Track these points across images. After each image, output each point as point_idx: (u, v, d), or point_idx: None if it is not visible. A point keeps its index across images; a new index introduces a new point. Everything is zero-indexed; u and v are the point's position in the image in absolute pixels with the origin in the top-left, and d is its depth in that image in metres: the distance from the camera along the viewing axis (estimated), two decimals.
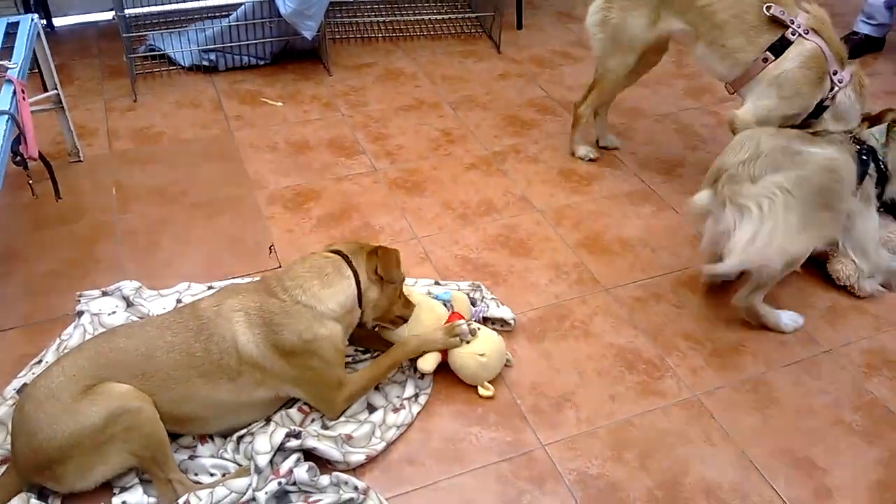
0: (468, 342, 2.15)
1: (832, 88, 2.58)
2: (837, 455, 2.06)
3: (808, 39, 2.58)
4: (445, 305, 2.29)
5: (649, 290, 2.56)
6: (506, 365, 2.23)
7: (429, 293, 2.38)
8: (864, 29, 4.11)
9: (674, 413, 2.16)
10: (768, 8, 2.59)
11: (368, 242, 2.18)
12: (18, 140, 2.32)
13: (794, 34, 2.58)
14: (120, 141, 3.23)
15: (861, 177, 2.43)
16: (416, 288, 2.43)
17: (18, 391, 2.10)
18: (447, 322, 2.20)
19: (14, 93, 2.36)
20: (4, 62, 2.46)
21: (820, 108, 2.66)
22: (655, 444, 2.07)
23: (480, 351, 2.14)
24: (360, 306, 2.06)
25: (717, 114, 3.60)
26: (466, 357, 2.14)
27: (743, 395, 2.22)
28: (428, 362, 2.14)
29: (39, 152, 2.40)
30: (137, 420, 1.80)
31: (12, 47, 2.62)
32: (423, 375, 2.17)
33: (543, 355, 2.31)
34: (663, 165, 3.21)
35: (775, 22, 2.60)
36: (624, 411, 2.16)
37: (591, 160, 3.20)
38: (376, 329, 2.22)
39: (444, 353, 2.17)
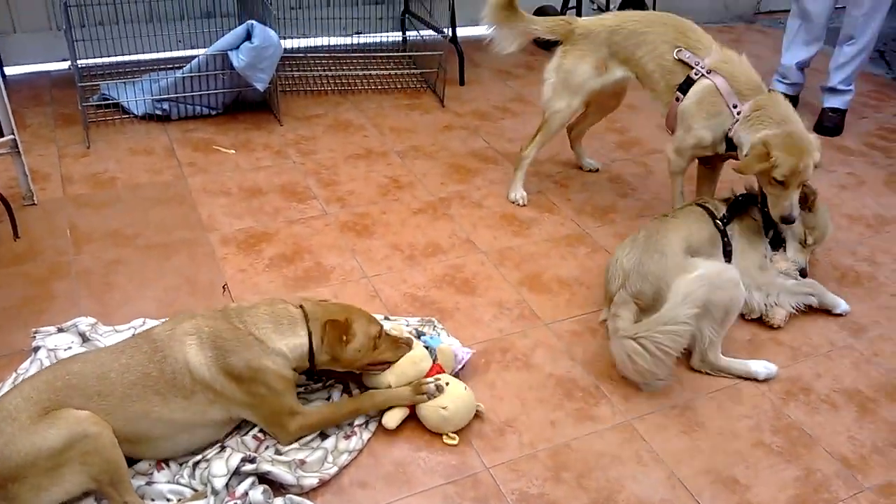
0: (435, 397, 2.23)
1: (735, 121, 2.84)
2: (758, 473, 2.23)
3: (707, 78, 2.87)
4: (429, 350, 2.36)
5: (585, 324, 2.74)
6: (476, 415, 2.29)
7: (419, 335, 2.47)
8: (779, 88, 4.47)
9: (608, 436, 2.31)
10: (678, 52, 2.94)
11: (342, 304, 2.30)
12: None
13: (696, 74, 2.89)
14: (74, 186, 3.30)
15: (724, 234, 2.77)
16: (394, 323, 2.57)
17: None
18: (427, 375, 2.28)
19: None
20: None
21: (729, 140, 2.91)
22: (591, 464, 2.21)
23: (444, 404, 2.21)
24: (312, 363, 2.17)
25: (646, 164, 3.87)
26: (430, 409, 2.22)
27: (671, 419, 2.39)
28: (393, 419, 2.22)
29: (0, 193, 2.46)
30: (97, 445, 1.86)
31: None
32: None
33: (488, 385, 2.45)
34: (597, 211, 3.43)
35: (684, 64, 2.93)
36: (563, 435, 2.30)
37: (522, 205, 3.41)
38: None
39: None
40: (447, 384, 2.25)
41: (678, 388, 2.51)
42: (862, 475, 2.25)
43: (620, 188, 3.64)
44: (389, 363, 2.27)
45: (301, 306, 2.19)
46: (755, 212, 2.88)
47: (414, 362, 2.30)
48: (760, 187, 2.83)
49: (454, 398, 2.24)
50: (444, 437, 2.24)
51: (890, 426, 2.42)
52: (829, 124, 4.36)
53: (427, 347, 2.37)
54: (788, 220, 2.75)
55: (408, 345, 2.30)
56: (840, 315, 2.87)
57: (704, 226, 2.77)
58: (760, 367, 2.57)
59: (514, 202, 3.44)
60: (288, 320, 2.15)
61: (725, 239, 2.77)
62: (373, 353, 2.23)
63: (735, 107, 2.85)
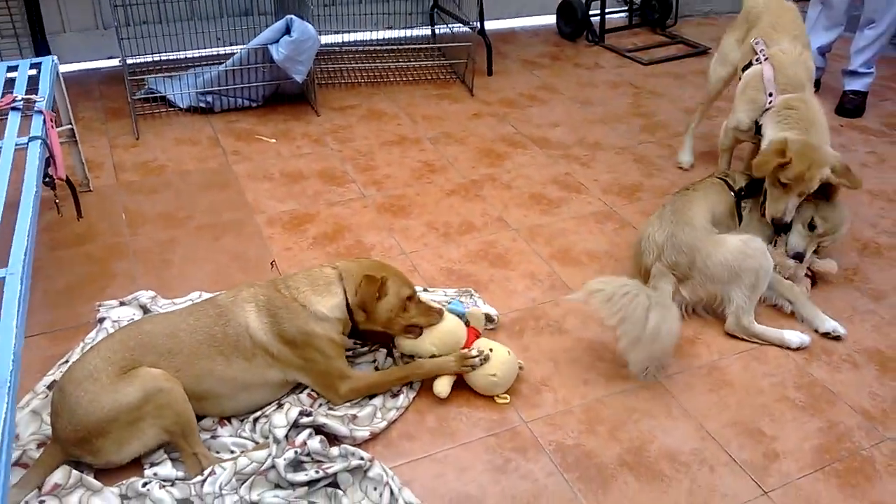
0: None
1: (766, 109, 2.96)
2: (783, 425, 2.35)
3: (760, 64, 3.00)
4: (462, 318, 2.46)
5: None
6: (520, 369, 2.43)
7: (445, 305, 2.60)
8: None
9: (639, 394, 2.44)
10: (755, 42, 3.13)
11: (380, 263, 2.43)
12: (48, 163, 2.57)
13: (757, 60, 3.02)
14: (126, 173, 3.50)
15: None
16: (432, 294, 2.73)
17: (49, 386, 2.31)
18: (466, 343, 2.39)
19: (44, 121, 2.62)
20: (32, 96, 2.73)
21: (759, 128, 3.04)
22: (623, 418, 2.35)
23: (492, 372, 2.34)
24: (351, 319, 2.31)
25: (671, 146, 3.98)
26: (480, 377, 2.35)
27: (699, 378, 2.51)
28: (443, 386, 2.33)
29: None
30: (169, 399, 2.04)
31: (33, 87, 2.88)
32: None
33: (522, 349, 2.59)
34: (624, 190, 3.56)
35: (754, 51, 3.13)
36: (595, 393, 2.44)
37: (686, 169, 3.76)
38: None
39: None
40: (491, 350, 2.37)
41: (705, 350, 2.63)
42: (883, 427, 2.36)
43: (646, 169, 3.76)
44: (421, 328, 2.38)
45: (336, 266, 2.34)
46: None
47: (451, 331, 2.41)
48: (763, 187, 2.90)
49: (501, 363, 2.36)
50: (497, 398, 2.37)
51: None
52: (850, 106, 4.44)
53: (458, 315, 2.49)
54: (780, 223, 2.82)
55: (439, 314, 2.40)
56: (828, 334, 2.72)
57: (724, 198, 2.90)
58: (794, 336, 2.66)
59: (679, 165, 3.79)
60: (324, 281, 2.29)
61: (739, 211, 2.89)
62: (403, 314, 2.33)
63: (770, 95, 2.97)
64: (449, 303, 2.57)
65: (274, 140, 3.86)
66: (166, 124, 3.95)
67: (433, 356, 2.38)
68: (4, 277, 1.89)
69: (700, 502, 2.10)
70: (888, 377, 2.55)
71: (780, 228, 2.85)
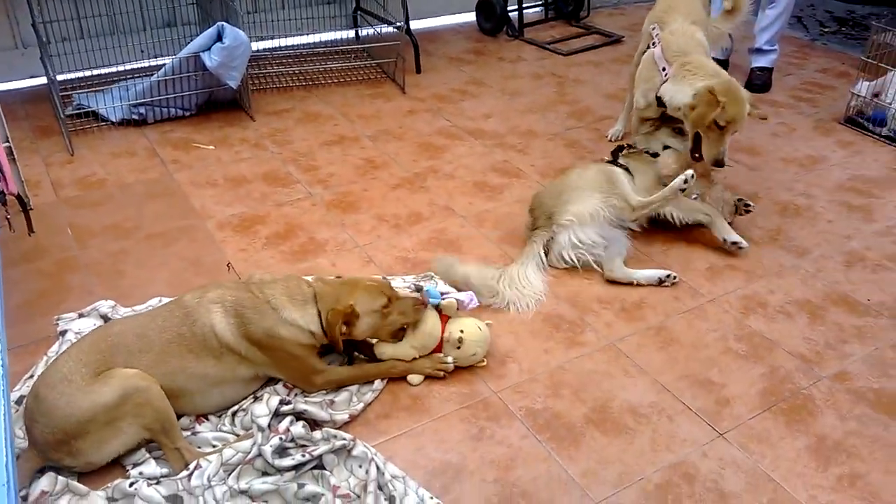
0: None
1: (664, 81, 3.18)
2: (729, 374, 2.54)
3: (654, 47, 3.23)
4: (437, 309, 2.49)
5: (564, 268, 3.01)
6: (488, 326, 2.54)
7: (418, 290, 2.66)
8: (712, 53, 4.83)
9: (596, 357, 2.59)
10: (652, 27, 3.36)
11: (351, 281, 2.37)
12: None
13: (653, 44, 3.24)
14: (65, 189, 3.45)
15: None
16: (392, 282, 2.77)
17: (17, 402, 2.29)
18: (442, 332, 2.44)
19: None
20: None
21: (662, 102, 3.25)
22: (585, 381, 2.49)
23: (471, 352, 2.46)
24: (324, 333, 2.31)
25: (598, 129, 4.18)
26: (462, 360, 2.47)
27: (649, 338, 2.68)
28: (417, 378, 2.44)
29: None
30: (147, 397, 2.06)
31: None
32: None
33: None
34: (559, 173, 3.71)
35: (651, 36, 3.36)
36: (556, 360, 2.57)
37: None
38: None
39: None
40: (462, 332, 2.44)
41: (651, 312, 2.80)
42: (818, 367, 2.58)
43: (578, 152, 3.94)
44: (404, 329, 2.41)
45: (311, 285, 2.34)
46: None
47: (430, 333, 2.43)
48: (694, 133, 3.08)
49: (476, 341, 2.46)
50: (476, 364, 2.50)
51: (838, 326, 2.76)
52: (758, 82, 4.74)
53: (434, 304, 2.51)
54: (721, 164, 3.04)
55: (422, 305, 2.41)
56: (735, 245, 3.06)
57: (594, 167, 3.21)
58: (661, 272, 2.93)
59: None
60: (301, 296, 2.29)
61: (627, 170, 3.20)
62: (385, 322, 2.35)
63: (664, 70, 3.18)
64: (425, 290, 2.51)
65: (212, 147, 3.87)
66: (100, 139, 3.90)
67: (414, 359, 2.44)
68: None
69: (663, 448, 2.26)
70: (818, 323, 2.78)
71: (719, 165, 3.05)
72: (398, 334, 2.43)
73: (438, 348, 2.46)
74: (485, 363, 2.50)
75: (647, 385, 2.48)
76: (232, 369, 2.25)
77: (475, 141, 4.02)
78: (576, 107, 4.47)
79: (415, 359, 2.44)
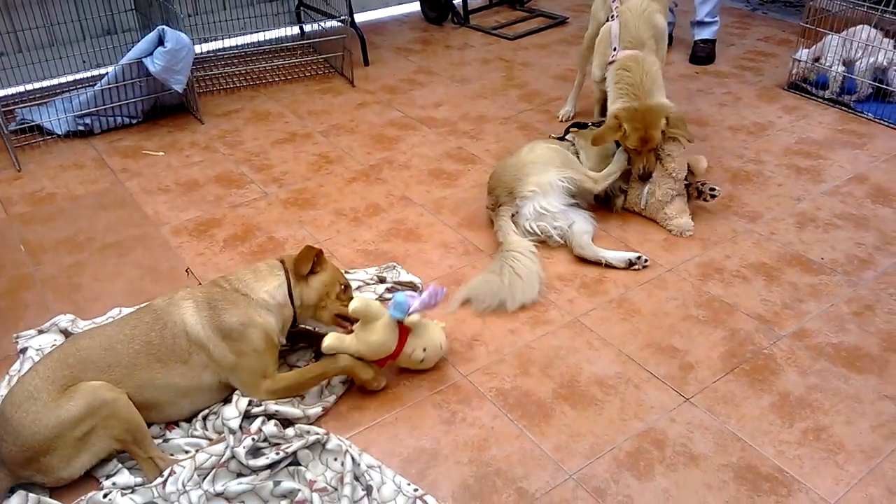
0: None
1: (610, 64, 3.24)
2: (692, 339, 2.59)
3: (612, 21, 3.26)
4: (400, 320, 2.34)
5: None
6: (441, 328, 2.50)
7: (381, 280, 2.75)
8: None
9: (560, 334, 2.63)
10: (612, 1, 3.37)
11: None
12: None
13: (613, 16, 3.27)
14: (15, 206, 3.38)
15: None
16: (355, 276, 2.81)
17: None
18: (397, 347, 2.32)
19: None
20: None
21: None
22: (551, 357, 2.52)
23: (429, 367, 2.45)
24: (292, 302, 2.34)
25: (549, 111, 4.21)
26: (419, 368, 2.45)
27: (611, 311, 2.73)
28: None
29: None
30: (114, 409, 2.04)
31: None
32: None
33: (449, 312, 2.72)
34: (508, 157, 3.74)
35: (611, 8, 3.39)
36: (522, 340, 2.60)
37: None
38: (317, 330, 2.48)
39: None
40: (425, 351, 2.38)
41: (612, 286, 2.85)
42: (777, 327, 2.65)
43: (531, 134, 3.97)
44: (352, 326, 2.36)
45: (281, 260, 2.39)
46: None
47: (384, 342, 2.31)
48: None
49: (436, 354, 2.43)
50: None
51: (793, 286, 2.84)
52: (702, 54, 4.82)
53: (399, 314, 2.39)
54: (646, 178, 3.14)
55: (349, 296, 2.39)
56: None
57: (543, 144, 3.27)
58: (630, 254, 2.95)
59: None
60: (266, 268, 2.34)
61: (573, 148, 3.28)
62: (335, 300, 2.37)
63: (615, 50, 3.22)
64: (393, 301, 2.32)
65: (162, 153, 3.81)
66: (47, 152, 3.82)
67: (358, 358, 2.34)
68: None
69: (632, 416, 2.30)
70: (774, 284, 2.85)
71: (645, 179, 3.15)
72: (343, 324, 2.38)
73: (383, 362, 2.36)
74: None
75: (612, 357, 2.53)
76: (198, 375, 2.22)
77: (428, 129, 4.03)
78: (525, 90, 4.50)
79: (359, 357, 2.34)
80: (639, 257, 2.92)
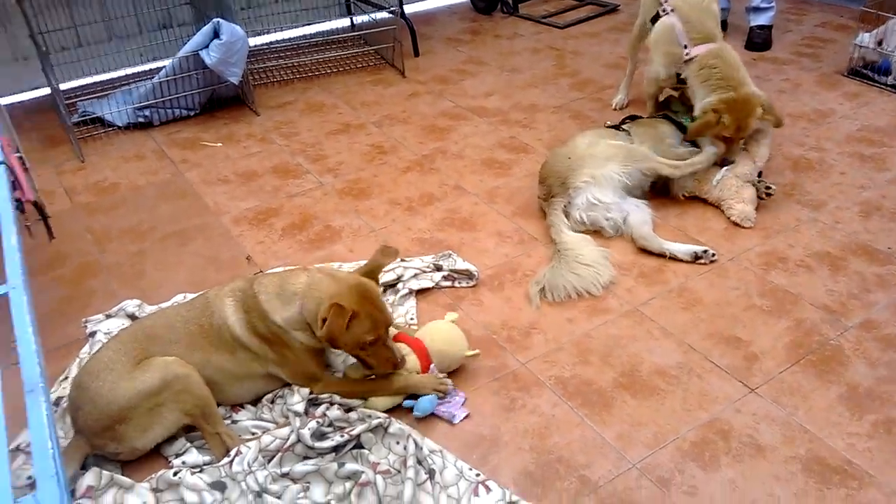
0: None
1: (685, 61, 3.18)
2: (755, 329, 2.55)
3: (668, 16, 3.20)
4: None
5: None
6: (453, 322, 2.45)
7: (438, 269, 2.77)
8: None
9: (620, 323, 2.60)
10: None
11: (360, 286, 2.16)
12: (13, 187, 2.55)
13: (664, 11, 3.22)
14: (79, 196, 3.47)
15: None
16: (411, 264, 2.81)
17: (55, 403, 2.31)
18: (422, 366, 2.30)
19: (1, 147, 2.60)
20: None
21: (682, 80, 3.28)
22: (611, 346, 2.50)
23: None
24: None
25: (601, 99, 4.17)
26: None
27: (671, 300, 2.69)
28: (384, 403, 2.26)
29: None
30: (186, 384, 2.09)
31: None
32: None
33: (505, 300, 2.72)
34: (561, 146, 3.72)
35: (658, 2, 3.34)
36: (581, 328, 2.59)
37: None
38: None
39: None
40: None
41: (672, 275, 2.81)
42: (844, 318, 2.59)
43: (583, 123, 3.93)
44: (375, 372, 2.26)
45: (310, 273, 2.23)
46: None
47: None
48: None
49: (452, 360, 2.38)
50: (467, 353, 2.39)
51: (860, 276, 2.77)
52: (758, 40, 4.72)
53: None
54: (729, 163, 3.13)
55: (395, 366, 2.23)
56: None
57: (604, 134, 3.25)
58: (698, 248, 2.88)
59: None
60: (290, 290, 2.20)
61: (629, 136, 3.25)
62: (361, 352, 2.19)
63: (685, 48, 3.18)
64: (420, 405, 2.25)
65: (220, 144, 3.87)
66: (108, 144, 3.91)
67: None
68: (7, 293, 1.90)
69: (695, 407, 2.27)
70: (840, 274, 2.78)
71: (727, 164, 3.14)
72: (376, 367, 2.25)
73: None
74: (477, 352, 2.43)
75: (673, 346, 2.50)
76: (247, 366, 2.24)
77: (480, 119, 4.02)
78: (577, 78, 4.46)
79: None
80: (705, 251, 2.86)
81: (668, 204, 3.19)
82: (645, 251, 2.92)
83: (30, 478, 2.03)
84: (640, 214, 2.99)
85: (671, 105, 3.52)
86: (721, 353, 2.46)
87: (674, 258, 2.87)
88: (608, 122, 3.42)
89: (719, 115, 3.02)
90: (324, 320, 2.08)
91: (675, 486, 2.04)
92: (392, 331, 2.30)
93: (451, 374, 2.38)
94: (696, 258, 2.86)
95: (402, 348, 2.29)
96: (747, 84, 3.10)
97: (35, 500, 1.43)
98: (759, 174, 3.18)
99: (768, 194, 3.11)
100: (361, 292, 2.15)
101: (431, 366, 2.33)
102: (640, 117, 3.42)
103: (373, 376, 2.28)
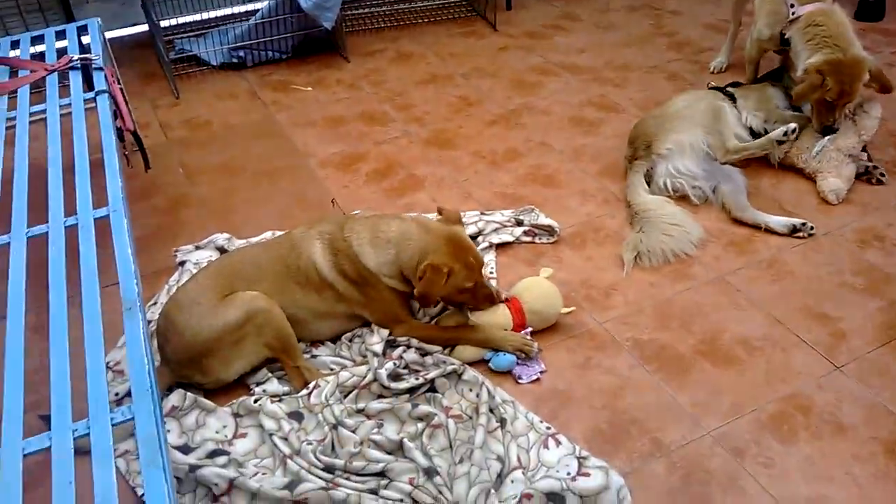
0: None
1: (790, 22, 3.03)
2: (846, 307, 2.46)
3: None
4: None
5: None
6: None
7: (519, 223, 2.76)
8: None
9: (704, 290, 2.55)
10: None
11: (453, 236, 2.21)
12: (115, 116, 2.65)
13: None
14: (173, 131, 3.57)
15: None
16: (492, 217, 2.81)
17: None
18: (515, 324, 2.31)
19: (105, 77, 2.70)
20: (89, 55, 2.80)
21: (785, 41, 3.12)
22: (693, 313, 2.45)
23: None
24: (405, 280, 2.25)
25: (699, 61, 4.02)
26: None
27: (761, 271, 2.61)
28: (471, 354, 2.27)
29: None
30: (269, 318, 2.15)
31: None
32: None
33: (586, 259, 2.70)
34: (658, 106, 3.61)
35: None
36: (663, 293, 2.54)
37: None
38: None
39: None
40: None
41: (763, 245, 2.73)
42: None
43: (679, 84, 3.81)
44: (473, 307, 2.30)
45: (405, 221, 2.28)
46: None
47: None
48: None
49: (547, 318, 2.37)
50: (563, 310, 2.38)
51: None
52: (870, 9, 4.45)
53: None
54: (831, 132, 2.96)
55: (496, 300, 2.30)
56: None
57: (705, 98, 3.11)
58: (794, 220, 2.77)
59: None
60: (384, 236, 2.24)
61: (733, 100, 3.13)
62: (458, 296, 2.25)
63: (792, 6, 3.02)
64: (502, 360, 2.26)
65: (310, 88, 3.92)
66: (203, 82, 4.01)
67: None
68: (108, 215, 1.99)
69: (777, 380, 2.21)
70: None
71: (829, 133, 2.97)
72: (472, 305, 2.31)
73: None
74: (572, 308, 2.41)
75: (759, 318, 2.43)
76: (332, 305, 2.29)
77: (570, 76, 3.95)
78: (674, 39, 4.32)
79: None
80: (804, 224, 2.74)
81: (762, 172, 3.08)
82: (738, 221, 2.83)
83: (117, 394, 2.14)
84: (733, 183, 2.89)
85: (783, 79, 3.33)
86: (808, 327, 2.38)
87: (769, 230, 2.77)
88: (711, 83, 3.30)
89: (823, 77, 2.86)
90: (420, 279, 2.13)
91: (749, 457, 2.00)
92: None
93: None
94: (793, 231, 2.75)
95: (499, 308, 2.32)
96: (855, 46, 2.92)
97: (130, 411, 1.51)
98: (869, 157, 3.03)
99: (880, 181, 2.98)
100: (454, 241, 2.21)
101: (527, 330, 2.32)
102: (741, 84, 3.29)
103: (456, 326, 2.31)
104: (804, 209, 2.89)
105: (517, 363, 2.25)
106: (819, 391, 2.18)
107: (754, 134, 3.03)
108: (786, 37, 3.12)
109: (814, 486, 1.93)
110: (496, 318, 2.31)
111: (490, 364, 2.25)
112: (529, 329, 2.32)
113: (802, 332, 2.37)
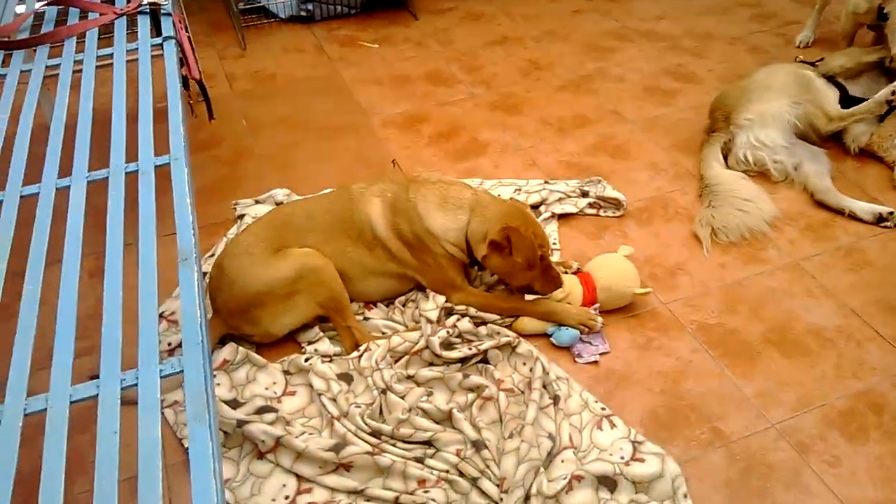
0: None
1: None
2: None
3: None
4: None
5: None
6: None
7: (584, 194, 2.67)
8: None
9: (777, 275, 2.42)
10: None
11: (521, 212, 2.20)
12: (181, 63, 2.62)
13: None
14: (238, 82, 3.56)
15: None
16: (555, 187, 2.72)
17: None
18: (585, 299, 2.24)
19: (173, 23, 2.67)
20: (159, 0, 2.77)
21: (883, 15, 2.92)
22: (764, 299, 2.33)
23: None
24: (469, 252, 2.20)
25: (785, 34, 3.81)
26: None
27: (838, 259, 2.47)
28: (533, 327, 2.21)
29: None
30: (321, 276, 2.13)
31: None
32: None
33: (653, 235, 2.59)
34: (740, 79, 3.43)
35: None
36: (733, 276, 2.42)
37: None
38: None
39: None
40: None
41: (842, 232, 2.57)
42: None
43: (762, 58, 3.62)
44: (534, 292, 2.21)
45: (476, 193, 2.24)
46: None
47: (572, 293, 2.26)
48: None
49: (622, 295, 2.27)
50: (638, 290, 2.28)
51: None
52: None
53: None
54: None
55: (557, 286, 2.19)
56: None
57: (788, 67, 2.96)
58: (877, 207, 2.61)
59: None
60: (455, 202, 2.20)
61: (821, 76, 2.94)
62: (522, 273, 2.17)
63: None
64: (565, 335, 2.18)
65: (377, 45, 3.85)
66: (270, 35, 3.98)
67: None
68: (169, 163, 1.96)
69: (849, 375, 2.09)
70: None
71: None
72: (529, 289, 2.21)
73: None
74: (649, 290, 2.31)
75: (833, 308, 2.30)
76: (384, 264, 2.25)
77: (647, 43, 3.78)
78: (759, 10, 4.09)
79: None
80: (891, 212, 2.58)
81: (843, 156, 2.90)
82: (820, 204, 2.67)
83: (170, 344, 2.15)
84: (817, 164, 2.73)
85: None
86: (885, 321, 2.24)
87: (853, 216, 2.62)
88: (799, 57, 3.12)
89: None
90: (492, 242, 2.10)
91: (814, 454, 1.90)
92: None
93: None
94: (879, 220, 2.59)
95: (569, 280, 2.25)
96: None
97: (180, 363, 1.49)
98: None
99: None
100: (525, 215, 2.19)
101: (595, 306, 2.23)
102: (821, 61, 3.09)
103: (516, 295, 2.26)
104: (891, 196, 2.71)
105: (580, 340, 2.17)
106: (894, 390, 2.05)
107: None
108: (884, 11, 2.92)
109: (883, 490, 1.82)
110: (564, 293, 2.23)
111: (552, 339, 2.18)
112: (597, 306, 2.24)
113: (879, 326, 2.23)
